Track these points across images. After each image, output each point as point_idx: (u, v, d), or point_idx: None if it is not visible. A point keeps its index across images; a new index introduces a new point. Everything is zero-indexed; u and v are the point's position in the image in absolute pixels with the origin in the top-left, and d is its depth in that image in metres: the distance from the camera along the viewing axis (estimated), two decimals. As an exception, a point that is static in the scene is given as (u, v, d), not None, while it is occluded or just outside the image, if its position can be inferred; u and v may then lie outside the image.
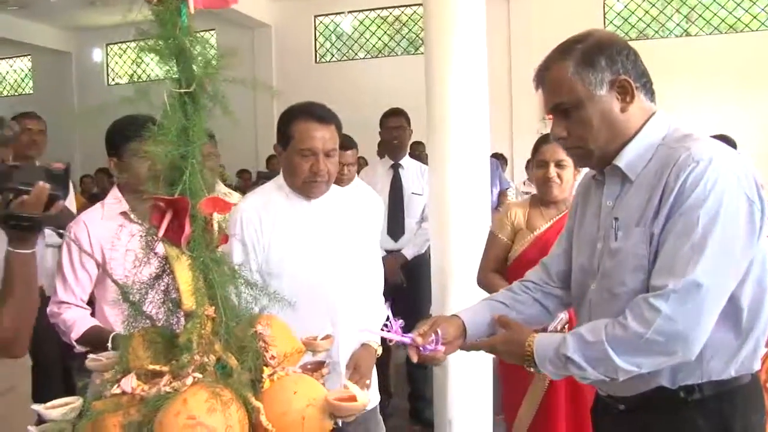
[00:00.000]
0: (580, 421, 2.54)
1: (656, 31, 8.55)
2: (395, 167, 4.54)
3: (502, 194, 6.88)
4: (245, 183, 8.29)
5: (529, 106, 8.62)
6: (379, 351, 2.35)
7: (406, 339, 1.67)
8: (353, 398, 1.21)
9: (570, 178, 2.73)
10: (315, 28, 10.22)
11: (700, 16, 8.47)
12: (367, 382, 2.22)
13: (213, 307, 1.17)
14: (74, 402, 1.19)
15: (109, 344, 2.03)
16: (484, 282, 2.89)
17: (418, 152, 6.88)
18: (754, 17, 8.28)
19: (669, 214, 1.44)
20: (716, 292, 1.40)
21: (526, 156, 8.12)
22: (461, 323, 1.76)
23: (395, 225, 4.44)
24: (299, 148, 2.16)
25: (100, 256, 2.23)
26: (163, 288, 1.23)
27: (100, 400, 1.16)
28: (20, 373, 2.22)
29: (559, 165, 2.71)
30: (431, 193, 3.87)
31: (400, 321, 1.67)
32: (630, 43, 1.60)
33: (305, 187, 2.21)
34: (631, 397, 1.59)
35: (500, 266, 2.85)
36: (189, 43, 1.14)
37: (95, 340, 2.15)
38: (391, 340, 1.68)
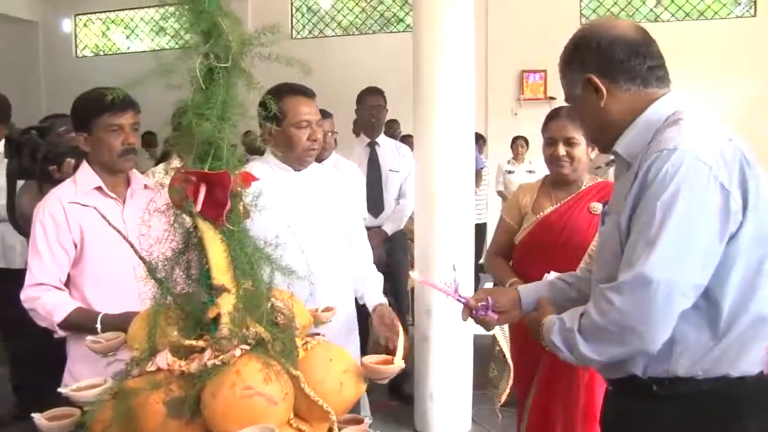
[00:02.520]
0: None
1: (630, 15, 8.65)
2: (372, 145, 4.60)
3: (477, 174, 6.95)
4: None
5: (504, 86, 8.68)
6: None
7: (462, 300, 1.85)
8: (389, 361, 1.28)
9: (582, 157, 2.51)
10: (292, 4, 10.10)
11: (672, 2, 8.60)
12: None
13: (250, 281, 1.18)
14: (103, 383, 1.20)
15: (98, 326, 1.98)
16: (488, 265, 2.86)
17: (392, 130, 6.93)
18: (724, 5, 8.44)
19: (634, 204, 1.44)
20: (670, 286, 1.34)
21: (501, 136, 8.24)
22: (516, 296, 1.86)
23: (375, 202, 4.50)
24: (296, 120, 2.31)
25: (78, 234, 2.14)
26: (185, 264, 1.24)
27: (132, 380, 1.17)
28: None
29: (568, 143, 2.49)
30: (417, 169, 3.92)
31: (459, 283, 1.86)
32: None
33: (305, 155, 2.36)
34: (614, 380, 1.63)
35: (506, 250, 2.72)
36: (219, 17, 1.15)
37: (80, 322, 2.04)
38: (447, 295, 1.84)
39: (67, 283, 2.18)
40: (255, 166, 2.38)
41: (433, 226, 3.80)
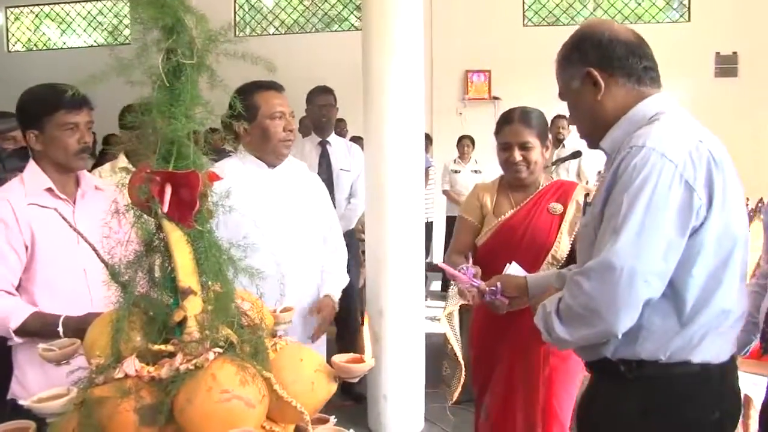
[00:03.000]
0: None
1: (572, 18, 8.86)
2: (323, 144, 4.57)
3: (425, 173, 6.98)
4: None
5: (449, 86, 8.75)
6: (336, 307, 2.53)
7: (475, 283, 2.12)
8: (360, 360, 1.28)
9: (538, 159, 2.50)
10: (235, 1, 9.94)
11: (612, 5, 8.84)
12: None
13: (218, 283, 1.15)
14: (66, 392, 1.14)
15: (60, 329, 1.89)
16: (447, 263, 2.86)
17: (339, 129, 6.90)
18: (660, 10, 8.72)
19: (606, 196, 1.54)
20: (632, 272, 1.43)
21: (446, 135, 8.31)
22: (524, 283, 2.06)
23: (328, 201, 4.46)
24: (271, 113, 2.36)
25: (29, 236, 2.03)
26: (147, 267, 1.20)
27: (96, 388, 1.11)
28: None
29: (523, 147, 2.48)
30: (368, 168, 3.90)
31: (472, 270, 2.15)
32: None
33: (282, 146, 2.39)
34: (589, 363, 1.72)
35: (467, 249, 2.64)
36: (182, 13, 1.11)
37: (38, 327, 1.95)
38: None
39: (17, 288, 2.07)
40: (228, 163, 2.43)
41: (384, 224, 3.80)
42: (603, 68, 1.62)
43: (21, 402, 1.16)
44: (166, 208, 1.10)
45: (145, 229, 1.18)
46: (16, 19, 11.13)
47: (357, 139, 5.98)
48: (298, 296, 2.35)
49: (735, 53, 7.63)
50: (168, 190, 1.09)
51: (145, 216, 1.18)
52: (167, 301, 1.18)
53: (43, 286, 2.06)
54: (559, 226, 2.48)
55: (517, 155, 2.48)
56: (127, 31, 9.91)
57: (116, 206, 1.18)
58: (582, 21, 8.74)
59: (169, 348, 1.13)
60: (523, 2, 8.80)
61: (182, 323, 1.16)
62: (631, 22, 8.70)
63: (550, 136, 2.60)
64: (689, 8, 8.46)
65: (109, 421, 1.05)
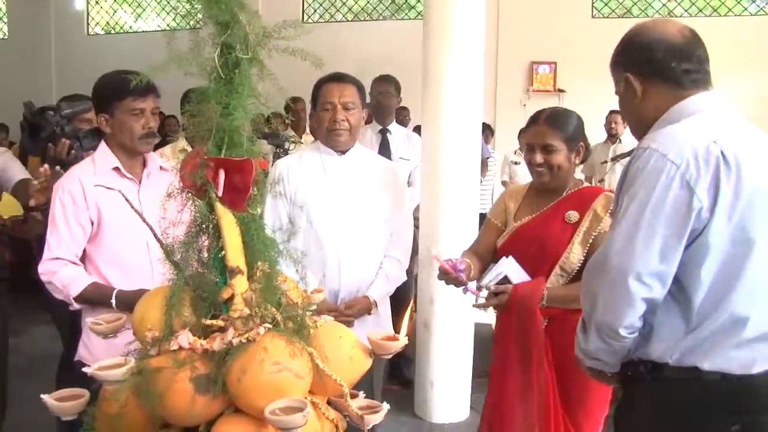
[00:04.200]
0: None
1: (643, 10, 8.62)
2: (383, 132, 4.62)
3: (483, 164, 6.96)
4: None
5: (514, 77, 8.66)
6: (375, 310, 2.57)
7: (459, 275, 2.23)
8: (395, 338, 1.39)
9: (563, 164, 2.38)
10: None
11: (684, -4, 8.56)
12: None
13: (266, 263, 1.23)
14: (124, 362, 1.24)
15: (113, 301, 2.10)
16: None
17: (402, 117, 6.95)
18: (738, 2, 8.39)
19: (617, 198, 1.62)
20: (625, 272, 1.47)
21: (509, 126, 8.23)
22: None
23: (385, 189, 4.52)
24: (321, 102, 2.56)
25: (96, 212, 2.23)
26: (197, 247, 1.29)
27: (152, 359, 1.21)
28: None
29: (546, 150, 2.37)
30: (424, 157, 3.95)
31: (462, 265, 2.23)
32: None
33: (330, 136, 2.55)
34: (622, 365, 1.73)
35: (485, 249, 2.55)
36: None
37: (95, 297, 2.16)
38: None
39: (84, 258, 2.26)
40: (304, 154, 2.65)
41: (438, 214, 3.84)
42: (641, 73, 1.66)
43: (84, 369, 1.28)
44: (220, 192, 1.18)
45: (199, 211, 1.27)
46: (96, 2, 11.59)
47: (420, 128, 6.03)
48: (354, 279, 2.53)
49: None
50: (222, 175, 1.18)
51: (197, 199, 1.27)
52: (215, 279, 1.27)
53: (108, 258, 2.26)
54: (572, 235, 2.35)
55: (539, 157, 2.39)
56: (199, 15, 10.22)
57: (173, 188, 1.27)
58: (653, 14, 8.51)
59: (219, 323, 1.22)
60: (592, -4, 8.61)
61: (229, 300, 1.25)
62: (706, 15, 8.40)
63: (586, 141, 2.47)
64: (769, 1, 8.12)
65: (167, 390, 1.15)
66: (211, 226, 1.26)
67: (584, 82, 8.09)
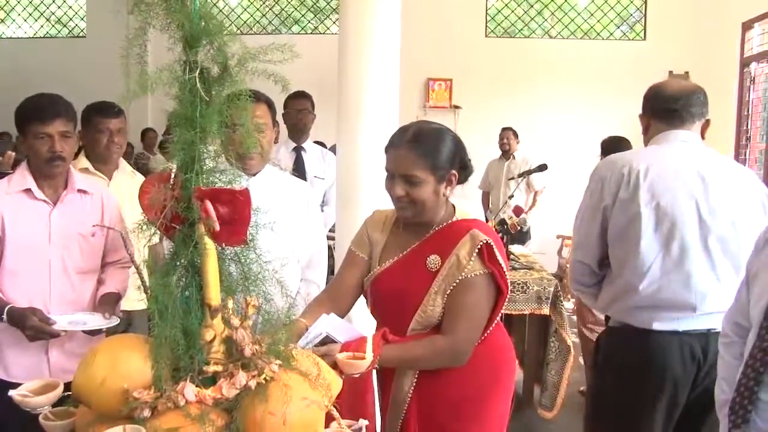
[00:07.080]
0: None
1: (533, 31, 9.02)
2: (298, 150, 4.51)
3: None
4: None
5: (411, 94, 8.77)
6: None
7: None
8: (362, 357, 1.49)
9: (427, 198, 1.93)
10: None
11: (559, 20, 9.01)
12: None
13: (254, 298, 1.14)
14: (54, 384, 1.13)
15: (5, 317, 2.10)
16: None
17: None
18: (605, 26, 8.94)
19: None
20: (574, 257, 2.42)
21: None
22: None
23: (299, 209, 4.40)
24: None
25: (0, 228, 2.21)
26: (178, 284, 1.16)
27: (159, 419, 1.07)
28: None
29: (408, 181, 1.91)
30: (340, 175, 3.87)
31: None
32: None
33: (242, 160, 2.19)
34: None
35: (346, 291, 2.11)
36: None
37: None
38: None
39: None
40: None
41: (353, 231, 3.75)
42: (647, 114, 2.41)
43: (10, 393, 1.20)
44: (217, 227, 1.07)
45: (180, 245, 1.15)
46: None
47: (335, 147, 5.92)
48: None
49: (687, 72, 7.90)
50: (211, 208, 1.07)
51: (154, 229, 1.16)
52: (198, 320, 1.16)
53: (6, 273, 2.24)
54: (431, 284, 1.93)
55: (399, 189, 1.92)
56: (82, 24, 9.62)
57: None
58: (540, 34, 8.93)
59: (218, 368, 1.11)
60: (486, 13, 8.92)
61: (210, 342, 1.13)
62: (590, 38, 8.92)
63: (464, 162, 2.02)
64: (645, 27, 8.72)
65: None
66: (185, 262, 1.14)
67: (478, 98, 8.36)
